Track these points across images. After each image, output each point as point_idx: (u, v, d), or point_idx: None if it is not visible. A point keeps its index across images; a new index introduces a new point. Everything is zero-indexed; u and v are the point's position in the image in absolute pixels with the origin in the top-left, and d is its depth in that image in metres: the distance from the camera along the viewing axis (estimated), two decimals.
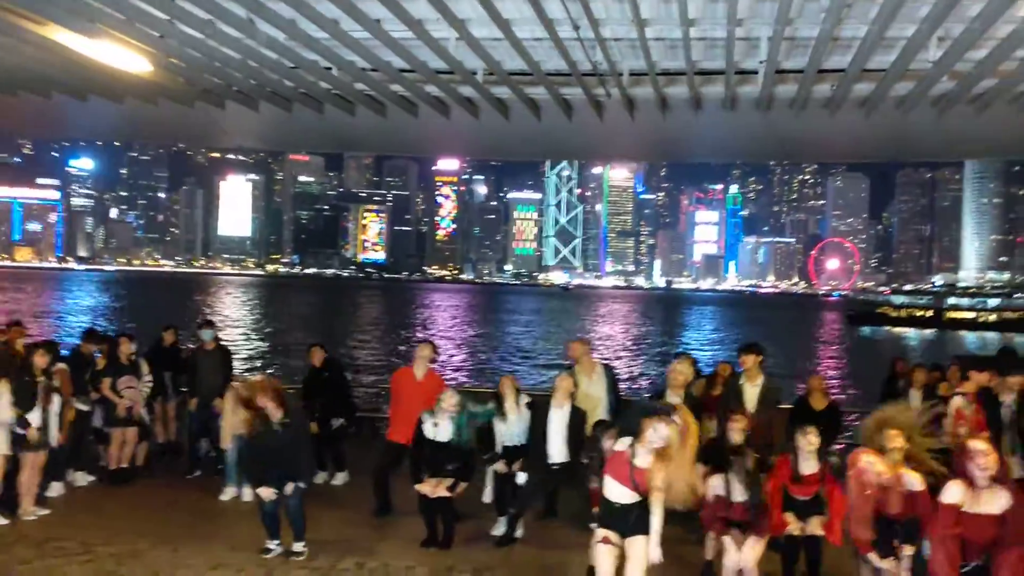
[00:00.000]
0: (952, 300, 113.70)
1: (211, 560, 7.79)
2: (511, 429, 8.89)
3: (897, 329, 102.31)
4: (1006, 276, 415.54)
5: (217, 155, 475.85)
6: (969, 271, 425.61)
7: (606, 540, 6.14)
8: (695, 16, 8.82)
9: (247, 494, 9.76)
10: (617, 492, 6.08)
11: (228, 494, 10.05)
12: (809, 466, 6.88)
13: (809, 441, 6.83)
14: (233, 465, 10.07)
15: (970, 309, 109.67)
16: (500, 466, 8.86)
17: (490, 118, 12.22)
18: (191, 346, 12.03)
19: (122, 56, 9.32)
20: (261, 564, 7.76)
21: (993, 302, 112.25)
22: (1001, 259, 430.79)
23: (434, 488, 8.31)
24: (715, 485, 6.92)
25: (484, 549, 8.40)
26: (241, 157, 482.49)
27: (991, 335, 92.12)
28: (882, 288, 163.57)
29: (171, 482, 10.74)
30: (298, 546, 8.00)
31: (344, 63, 10.06)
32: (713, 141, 13.51)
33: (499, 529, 8.81)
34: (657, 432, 5.86)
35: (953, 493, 5.59)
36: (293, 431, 7.93)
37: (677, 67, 10.44)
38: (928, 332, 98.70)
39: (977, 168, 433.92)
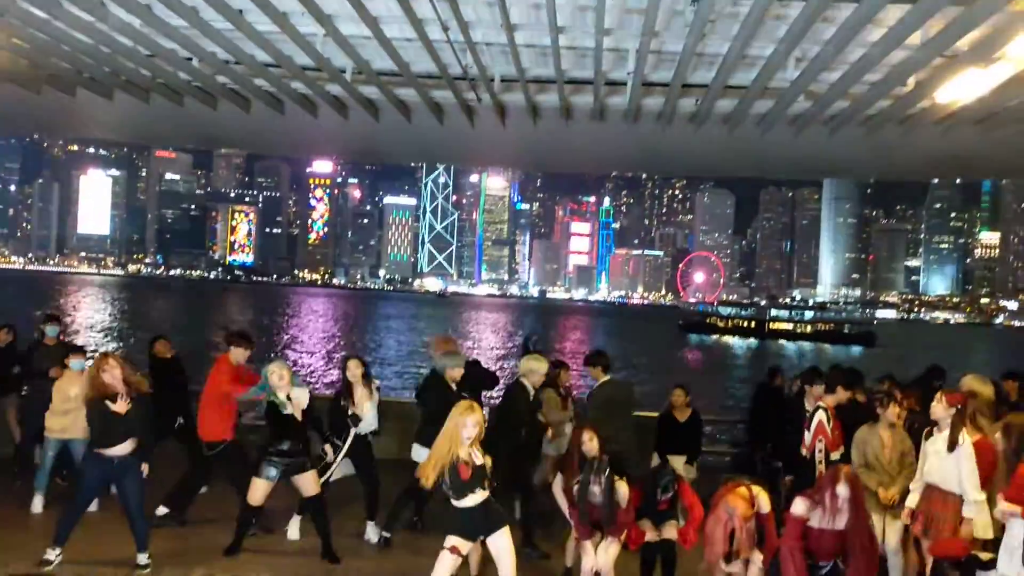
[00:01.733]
0: (773, 312, 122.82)
1: None
2: (361, 412, 8.56)
3: (724, 338, 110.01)
4: (857, 292, 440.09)
5: (75, 148, 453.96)
6: (825, 286, 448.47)
7: (455, 550, 6.10)
8: (564, 24, 8.86)
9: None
10: (469, 500, 6.07)
11: (37, 505, 9.17)
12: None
13: (667, 498, 7.12)
14: (46, 471, 9.24)
15: (788, 320, 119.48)
16: (327, 448, 8.43)
17: (359, 118, 11.97)
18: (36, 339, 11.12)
19: None
20: None
21: (809, 315, 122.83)
22: (854, 276, 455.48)
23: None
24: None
25: (342, 558, 8.12)
26: (102, 151, 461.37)
27: (807, 344, 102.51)
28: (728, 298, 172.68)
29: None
30: (142, 558, 7.50)
31: (205, 54, 9.65)
32: (583, 151, 13.63)
33: (371, 535, 8.63)
34: (467, 427, 5.98)
35: (798, 507, 5.81)
36: (137, 409, 7.45)
37: (547, 75, 10.50)
38: (751, 341, 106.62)
39: (834, 189, 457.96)
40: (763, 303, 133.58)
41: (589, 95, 10.90)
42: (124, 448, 7.37)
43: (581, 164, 16.65)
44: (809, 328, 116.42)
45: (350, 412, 8.47)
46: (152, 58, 9.98)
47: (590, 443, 6.99)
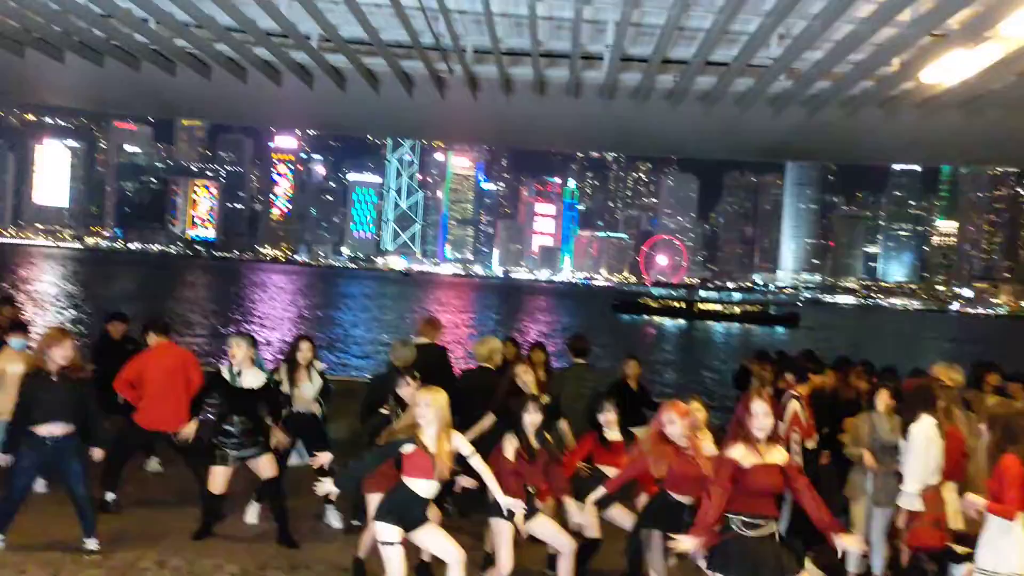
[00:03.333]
0: (702, 294, 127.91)
1: None
2: (302, 395, 8.27)
3: (655, 318, 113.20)
4: (817, 278, 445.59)
5: (32, 118, 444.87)
6: (786, 271, 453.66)
7: (406, 542, 5.69)
8: None
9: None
10: (423, 487, 5.68)
11: None
12: (614, 435, 6.93)
13: (607, 419, 6.88)
14: None
15: (717, 302, 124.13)
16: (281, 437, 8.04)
17: (325, 88, 11.53)
18: None
19: None
20: (47, 563, 6.88)
21: (737, 296, 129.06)
22: (814, 261, 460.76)
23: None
24: (508, 447, 6.40)
25: (300, 543, 7.78)
26: (60, 121, 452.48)
27: (735, 326, 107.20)
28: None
29: None
30: (91, 543, 7.14)
31: (162, 15, 9.15)
32: (556, 127, 13.36)
33: (332, 520, 8.34)
34: (426, 409, 5.62)
35: (736, 450, 5.42)
36: (77, 388, 7.06)
37: (522, 47, 10.16)
38: (681, 322, 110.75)
39: (796, 175, 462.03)
40: (696, 283, 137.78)
41: (565, 69, 10.57)
42: (57, 428, 6.97)
43: (554, 141, 16.37)
44: (737, 309, 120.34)
45: (284, 392, 8.19)
46: (107, 18, 9.46)
47: (525, 376, 6.68)
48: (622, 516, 6.86)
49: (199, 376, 8.48)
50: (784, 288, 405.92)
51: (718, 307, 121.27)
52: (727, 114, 11.41)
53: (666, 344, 72.34)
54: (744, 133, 12.48)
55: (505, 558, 6.11)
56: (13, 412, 7.12)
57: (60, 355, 6.97)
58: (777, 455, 5.41)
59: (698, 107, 11.35)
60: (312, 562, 7.34)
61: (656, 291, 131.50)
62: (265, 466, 7.76)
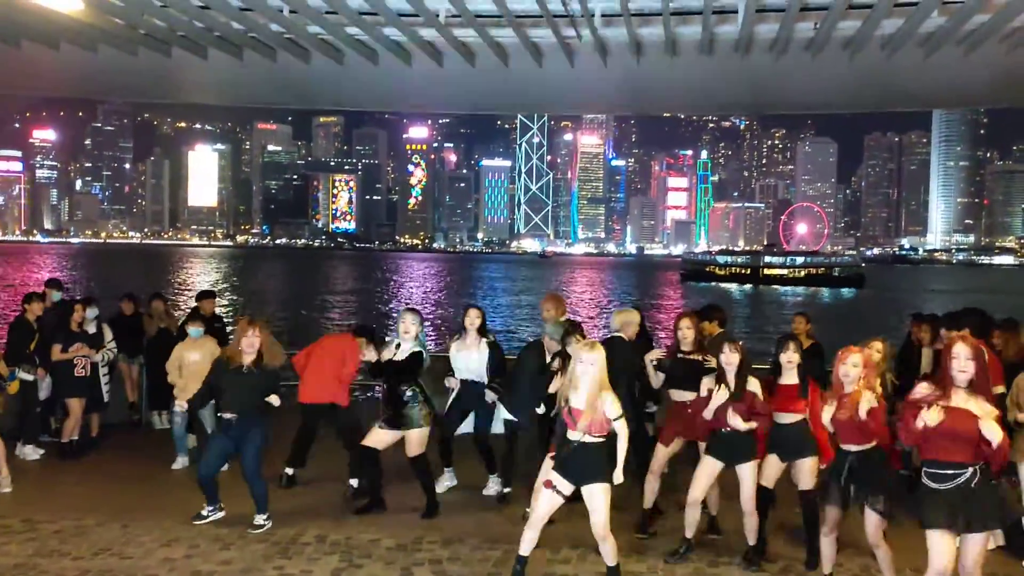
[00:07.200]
0: (767, 259, 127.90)
1: (163, 536, 7.21)
2: (466, 363, 8.28)
3: (723, 285, 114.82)
4: (971, 239, 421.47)
5: (183, 125, 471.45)
6: (936, 234, 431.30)
7: (548, 484, 5.80)
8: None
9: None
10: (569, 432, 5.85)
11: (179, 463, 9.46)
12: (790, 377, 6.58)
13: (790, 359, 6.55)
14: (182, 434, 9.54)
15: (781, 267, 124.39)
16: (452, 382, 8.26)
17: (455, 65, 11.58)
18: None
19: None
20: (216, 539, 7.17)
21: (800, 260, 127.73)
22: (967, 221, 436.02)
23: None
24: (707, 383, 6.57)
25: (454, 516, 7.85)
26: (208, 127, 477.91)
27: (800, 289, 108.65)
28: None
29: (126, 454, 10.09)
30: (260, 518, 7.39)
31: (297, 3, 9.38)
32: (688, 89, 12.94)
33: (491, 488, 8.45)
34: (589, 366, 5.73)
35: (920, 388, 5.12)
36: (263, 378, 7.37)
37: (652, 6, 9.89)
38: (747, 287, 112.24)
39: (944, 131, 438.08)
40: (760, 250, 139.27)
41: (697, 25, 10.23)
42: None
43: (686, 105, 16.00)
44: (802, 273, 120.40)
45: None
46: (245, 11, 9.76)
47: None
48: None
49: (354, 359, 8.66)
50: (935, 252, 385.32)
51: (783, 271, 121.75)
52: (873, 61, 10.79)
53: (737, 307, 73.27)
54: (892, 81, 11.74)
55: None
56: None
57: (247, 345, 7.31)
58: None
59: (841, 56, 10.79)
60: (465, 535, 7.37)
61: (722, 259, 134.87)
62: (411, 442, 7.87)
